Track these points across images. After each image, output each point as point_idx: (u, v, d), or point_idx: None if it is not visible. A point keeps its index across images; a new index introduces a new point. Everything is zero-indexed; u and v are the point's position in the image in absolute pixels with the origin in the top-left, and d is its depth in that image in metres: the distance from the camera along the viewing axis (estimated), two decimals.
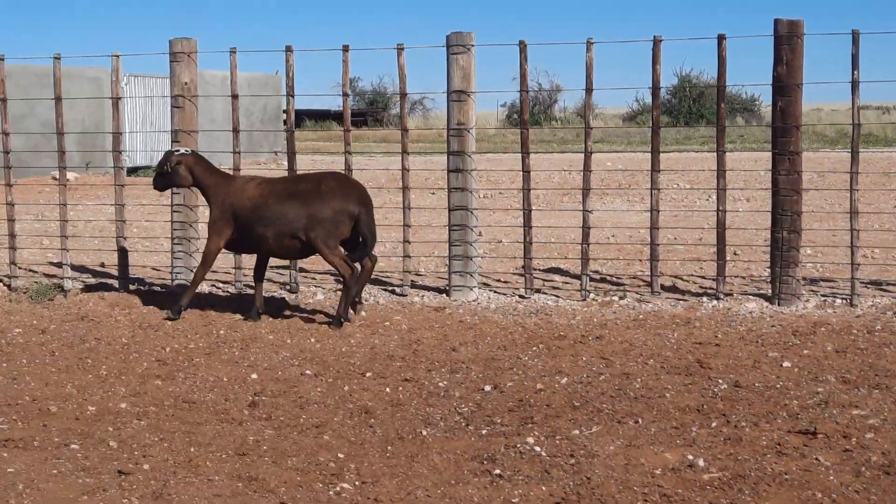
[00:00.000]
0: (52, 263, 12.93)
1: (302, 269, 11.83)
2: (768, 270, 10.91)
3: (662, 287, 10.83)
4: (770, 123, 10.71)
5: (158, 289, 11.43)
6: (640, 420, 6.81)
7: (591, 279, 11.10)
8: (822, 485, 5.68)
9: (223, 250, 10.21)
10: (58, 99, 11.61)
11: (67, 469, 6.08)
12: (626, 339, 9.05)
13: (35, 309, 10.59)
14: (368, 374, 8.10)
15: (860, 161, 10.65)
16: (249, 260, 11.36)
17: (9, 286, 11.59)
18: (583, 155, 10.94)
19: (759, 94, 53.79)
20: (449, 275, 10.97)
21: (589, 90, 10.79)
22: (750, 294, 10.68)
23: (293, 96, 11.32)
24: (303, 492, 5.75)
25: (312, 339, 9.25)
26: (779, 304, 10.25)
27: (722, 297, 10.47)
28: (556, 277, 11.79)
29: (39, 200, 19.86)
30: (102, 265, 12.87)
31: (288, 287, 11.22)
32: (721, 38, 10.44)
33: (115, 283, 11.57)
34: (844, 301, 10.30)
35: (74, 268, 12.12)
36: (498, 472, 5.96)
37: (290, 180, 10.21)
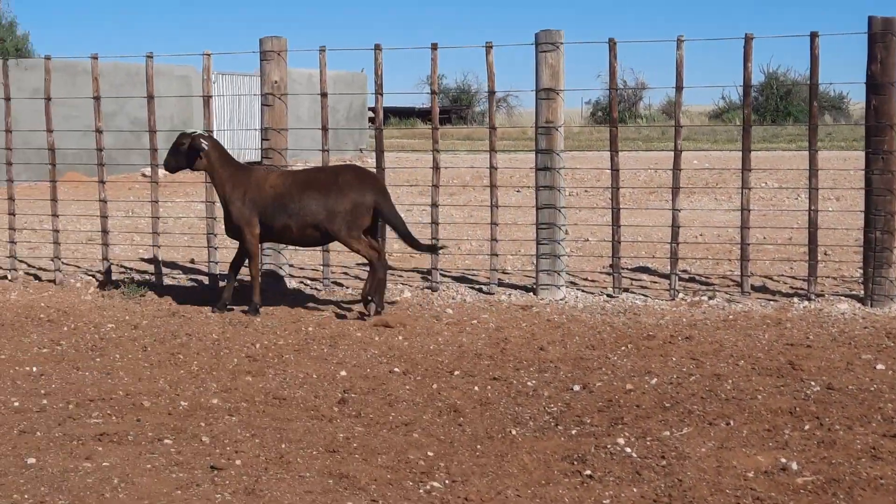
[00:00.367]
0: (142, 259, 13.08)
1: (389, 267, 11.86)
2: (860, 271, 10.78)
3: (752, 287, 10.73)
4: (861, 122, 10.55)
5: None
6: (731, 422, 6.76)
7: (680, 279, 11.03)
8: None
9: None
10: (150, 97, 11.74)
11: (161, 464, 6.15)
12: (716, 339, 8.98)
13: (127, 304, 10.72)
14: (456, 373, 8.11)
15: None
16: (337, 257, 11.45)
17: (101, 282, 11.74)
18: (669, 153, 10.87)
19: (848, 92, 53.14)
20: (536, 273, 10.95)
21: (679, 88, 10.72)
22: (842, 295, 10.55)
23: (382, 94, 11.35)
24: (393, 490, 5.77)
25: (400, 337, 9.28)
26: (871, 306, 10.11)
27: (813, 297, 10.35)
28: (644, 276, 11.72)
29: (129, 197, 20.09)
30: (192, 261, 13.00)
31: None
32: (814, 36, 10.31)
33: (205, 279, 11.68)
34: None
35: (165, 264, 12.25)
36: (588, 472, 5.94)
37: (309, 171, 10.54)
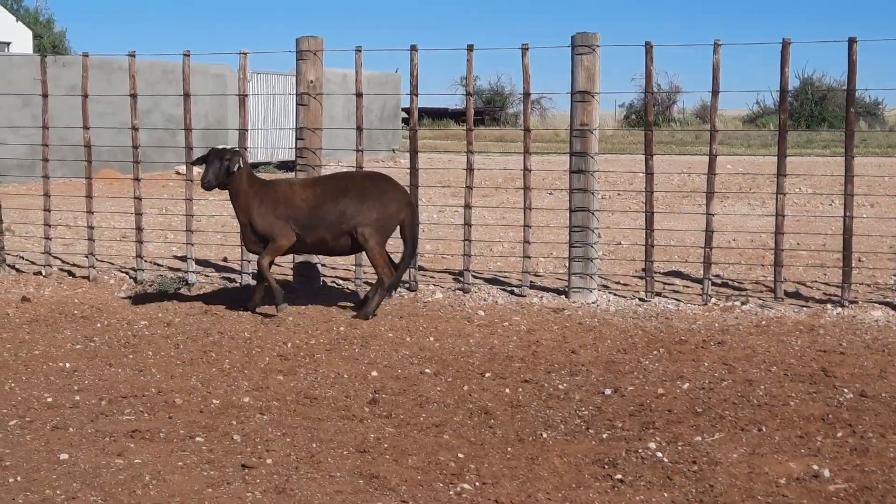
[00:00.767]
0: (176, 257, 13.14)
1: (421, 268, 11.87)
2: (895, 278, 10.71)
3: (785, 293, 10.68)
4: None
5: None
6: (763, 428, 6.73)
7: (713, 283, 11.00)
8: None
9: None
10: (186, 95, 11.78)
11: (192, 461, 6.17)
12: (749, 345, 8.94)
13: (160, 302, 10.76)
14: (487, 375, 8.11)
15: None
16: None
17: (135, 279, 11.80)
18: (702, 157, 10.86)
19: (883, 98, 52.90)
20: (569, 276, 10.93)
21: (715, 92, 10.68)
22: (875, 302, 10.49)
23: (417, 95, 11.35)
24: (423, 491, 5.77)
25: (431, 338, 9.28)
26: None
27: (847, 304, 10.30)
28: (677, 281, 11.69)
29: (163, 195, 20.17)
30: (225, 260, 13.05)
31: (407, 285, 11.26)
32: (852, 42, 10.26)
33: (238, 277, 11.72)
34: None
35: (198, 262, 12.30)
36: (619, 477, 5.93)
37: (334, 179, 10.35)
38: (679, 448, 6.39)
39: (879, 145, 36.36)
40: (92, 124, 12.28)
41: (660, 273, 11.85)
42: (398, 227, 10.15)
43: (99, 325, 9.78)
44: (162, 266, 12.61)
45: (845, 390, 7.55)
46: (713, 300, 10.60)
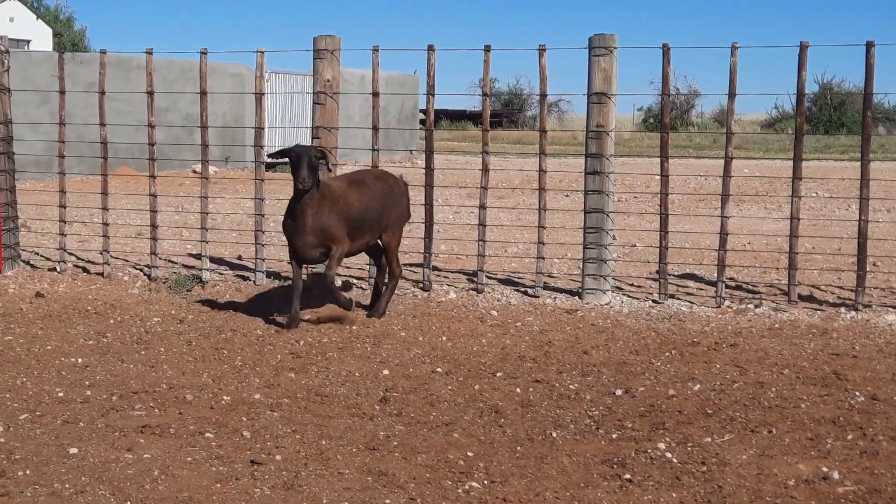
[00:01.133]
0: (190, 255, 13.16)
1: (435, 268, 11.87)
2: None
3: (799, 296, 10.65)
4: None
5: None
6: (773, 430, 6.72)
7: (727, 286, 10.97)
8: None
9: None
10: (203, 93, 11.80)
11: (202, 457, 6.18)
12: (761, 347, 8.92)
13: (173, 299, 10.79)
14: (499, 374, 8.11)
15: None
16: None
17: (149, 276, 11.83)
18: (719, 160, 10.83)
19: None
20: (582, 277, 10.92)
21: (732, 95, 10.66)
22: (889, 306, 10.46)
23: (433, 95, 11.36)
24: (431, 489, 5.77)
25: (444, 338, 9.28)
26: None
27: (860, 308, 10.27)
28: (691, 283, 11.67)
29: (180, 193, 20.20)
30: (240, 258, 13.07)
31: (421, 285, 11.27)
32: (870, 46, 10.23)
33: (252, 275, 11.73)
34: None
35: (212, 260, 12.32)
36: (628, 476, 5.92)
37: (363, 178, 10.12)
38: (688, 449, 6.38)
39: None
40: (109, 122, 12.31)
41: (674, 275, 11.83)
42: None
43: (112, 321, 9.81)
44: (176, 263, 12.63)
45: (857, 393, 7.54)
46: (727, 303, 10.58)
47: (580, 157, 11.25)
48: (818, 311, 10.28)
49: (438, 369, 8.24)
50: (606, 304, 10.65)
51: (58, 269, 12.17)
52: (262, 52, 11.56)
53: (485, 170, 11.16)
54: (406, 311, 10.25)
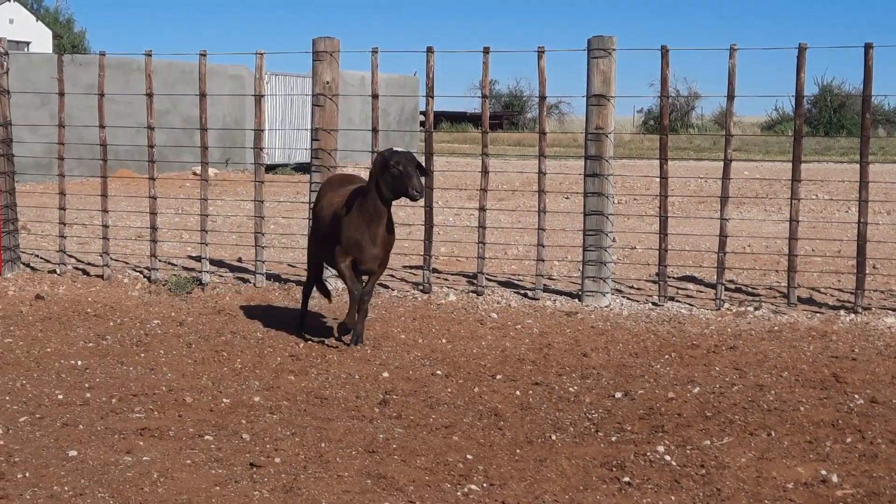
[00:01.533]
0: (190, 257, 13.17)
1: (435, 270, 11.87)
2: None
3: (799, 299, 10.66)
4: None
5: (294, 285, 11.55)
6: (772, 433, 6.72)
7: (727, 289, 10.97)
8: None
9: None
10: (202, 95, 11.81)
11: (201, 460, 6.19)
12: (761, 350, 8.93)
13: (173, 301, 10.79)
14: (499, 377, 8.11)
15: None
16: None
17: (149, 278, 11.83)
18: (720, 163, 10.84)
19: None
20: (582, 280, 10.92)
21: (731, 97, 10.67)
22: (889, 308, 10.45)
23: (433, 97, 11.36)
24: (431, 491, 5.78)
25: (444, 340, 9.29)
26: None
27: (860, 310, 10.27)
28: (691, 286, 11.67)
29: (180, 195, 20.21)
30: (240, 260, 13.07)
31: (421, 287, 11.27)
32: (868, 47, 10.24)
33: (252, 278, 11.73)
34: None
35: (212, 262, 12.32)
36: (627, 479, 5.93)
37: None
38: (687, 452, 6.38)
39: None
40: (109, 124, 12.31)
41: (673, 278, 11.83)
42: None
43: (111, 323, 9.81)
44: (176, 266, 12.63)
45: (856, 396, 7.54)
46: (726, 305, 10.58)
47: (580, 159, 11.25)
48: (818, 314, 10.28)
49: (438, 372, 8.25)
50: (606, 307, 10.65)
51: (58, 271, 12.17)
52: (262, 54, 11.57)
53: (484, 172, 11.16)
54: (406, 314, 10.26)
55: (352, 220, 8.82)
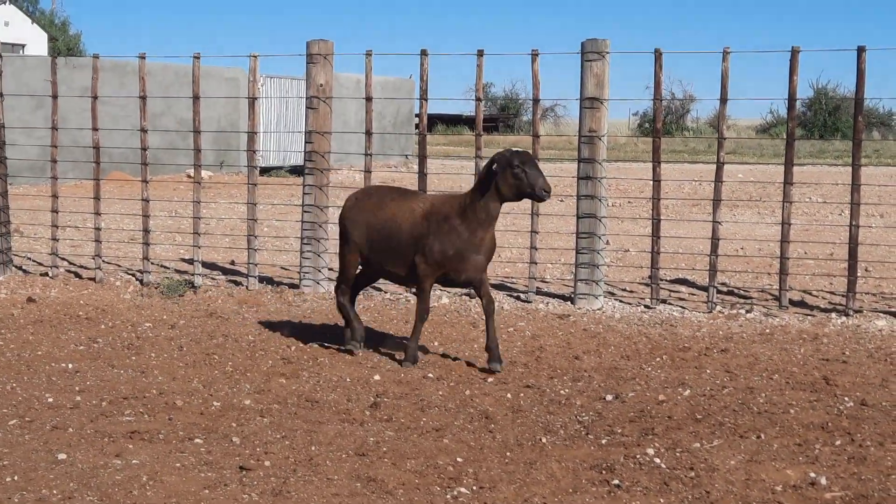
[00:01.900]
0: (183, 260, 13.17)
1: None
2: None
3: (791, 302, 10.66)
4: None
5: (287, 288, 11.55)
6: (762, 435, 6.72)
7: (719, 291, 10.97)
8: None
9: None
10: (195, 97, 11.81)
11: (190, 463, 6.18)
12: (752, 352, 8.93)
13: (165, 304, 10.78)
14: (490, 380, 8.11)
15: None
16: None
17: (141, 281, 11.82)
18: (714, 165, 10.86)
19: None
20: (574, 282, 10.92)
21: (724, 100, 10.69)
22: (880, 311, 10.47)
23: (427, 100, 11.37)
24: (420, 494, 5.78)
25: (436, 343, 9.28)
26: None
27: (851, 313, 10.28)
28: (683, 288, 11.68)
29: (174, 198, 20.19)
30: (232, 263, 13.07)
31: (413, 290, 11.26)
32: (861, 51, 10.25)
33: (245, 281, 11.72)
34: None
35: (205, 265, 12.31)
36: (616, 482, 5.93)
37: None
38: (677, 454, 6.38)
39: (892, 156, 36.27)
40: (104, 127, 12.32)
41: (666, 280, 11.84)
42: None
43: (103, 326, 9.80)
44: (169, 269, 12.63)
45: (846, 399, 7.54)
46: (718, 308, 10.59)
47: (575, 161, 11.25)
48: (809, 317, 10.29)
49: (430, 374, 8.25)
50: (598, 310, 10.65)
51: (50, 274, 12.16)
52: (256, 57, 11.58)
53: (478, 175, 11.15)
54: (398, 317, 10.26)
55: (451, 229, 8.29)
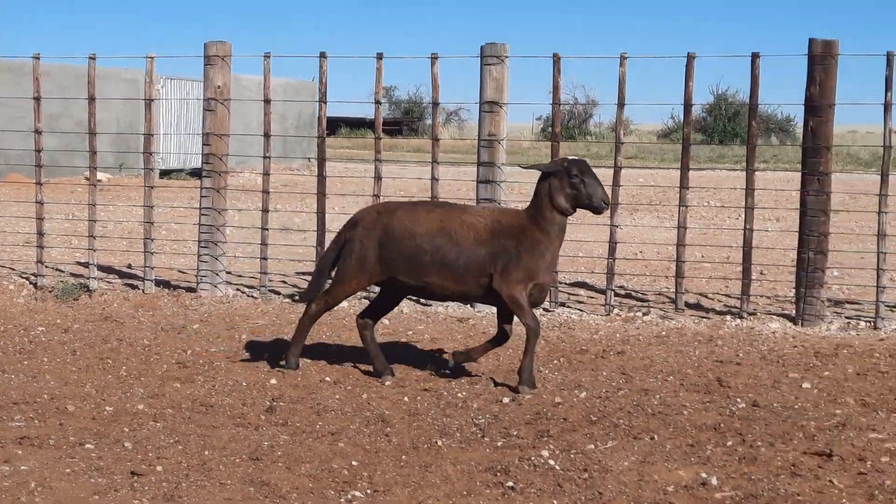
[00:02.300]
0: (79, 263, 12.99)
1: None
2: (794, 291, 10.84)
3: (687, 304, 10.78)
4: (802, 143, 10.61)
5: (184, 291, 11.45)
6: (655, 436, 6.78)
7: (616, 294, 11.07)
8: None
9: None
10: (91, 99, 11.67)
11: (81, 468, 6.10)
12: (648, 355, 9.01)
13: (60, 308, 10.64)
14: (388, 384, 8.09)
15: (889, 184, 10.59)
16: (276, 265, 11.41)
17: (35, 284, 11.65)
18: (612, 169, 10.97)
19: (795, 115, 53.58)
20: None
21: (621, 105, 10.79)
22: (774, 314, 10.62)
23: (325, 103, 11.36)
24: (314, 498, 5.75)
25: (334, 347, 9.25)
26: (802, 325, 10.19)
27: (746, 316, 10.42)
28: (582, 291, 11.76)
29: (71, 200, 19.92)
30: (129, 266, 12.92)
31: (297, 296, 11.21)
32: (755, 57, 10.40)
33: (141, 284, 11.60)
34: (868, 324, 10.24)
35: (101, 268, 12.16)
36: (510, 484, 5.94)
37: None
38: (572, 456, 6.41)
39: (790, 160, 36.84)
40: (1, 128, 12.11)
41: (565, 283, 11.91)
42: None
43: None
44: (64, 272, 12.46)
45: (738, 400, 7.63)
46: (616, 311, 10.68)
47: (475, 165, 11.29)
48: (704, 319, 10.41)
49: (327, 378, 8.22)
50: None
51: None
52: (152, 58, 11.49)
53: (377, 178, 11.15)
54: (296, 320, 10.19)
55: (536, 242, 7.88)
